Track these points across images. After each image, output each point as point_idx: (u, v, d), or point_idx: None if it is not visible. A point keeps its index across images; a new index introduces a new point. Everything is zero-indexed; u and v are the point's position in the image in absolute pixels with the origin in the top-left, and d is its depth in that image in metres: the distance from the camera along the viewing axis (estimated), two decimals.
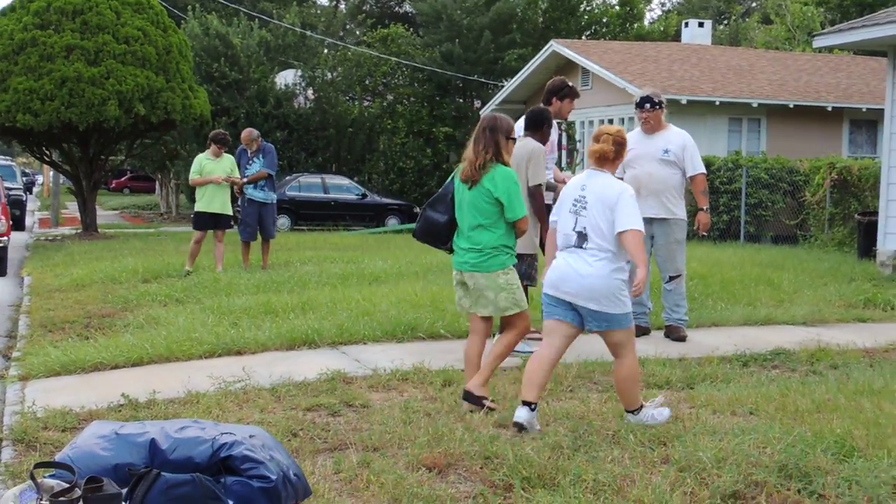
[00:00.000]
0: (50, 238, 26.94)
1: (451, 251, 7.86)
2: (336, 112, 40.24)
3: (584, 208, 6.88)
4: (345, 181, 35.69)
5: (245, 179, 15.83)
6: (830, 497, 5.09)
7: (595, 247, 6.80)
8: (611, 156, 7.03)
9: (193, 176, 15.68)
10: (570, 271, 6.85)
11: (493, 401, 7.26)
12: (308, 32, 44.55)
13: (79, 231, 28.06)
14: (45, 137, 26.52)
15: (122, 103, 24.66)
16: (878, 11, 18.21)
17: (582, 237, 6.86)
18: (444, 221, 7.79)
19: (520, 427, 6.57)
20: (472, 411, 6.99)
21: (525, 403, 6.65)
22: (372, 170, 40.66)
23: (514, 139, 7.81)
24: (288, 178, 33.28)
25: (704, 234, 11.03)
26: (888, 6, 24.56)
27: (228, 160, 15.73)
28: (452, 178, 7.84)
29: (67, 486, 4.09)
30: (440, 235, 7.90)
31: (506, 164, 7.48)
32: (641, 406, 6.81)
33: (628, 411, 6.83)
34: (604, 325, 6.82)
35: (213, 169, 15.47)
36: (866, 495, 5.05)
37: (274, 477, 4.47)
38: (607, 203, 6.79)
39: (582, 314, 6.85)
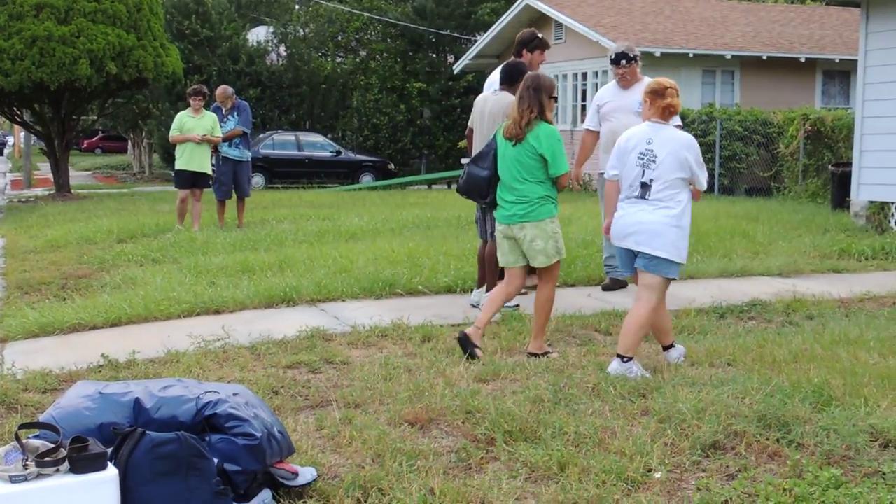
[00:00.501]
0: (23, 199, 26.77)
1: (491, 205, 8.22)
2: (309, 69, 40.09)
3: (653, 161, 7.13)
4: (319, 138, 35.58)
5: (220, 137, 15.77)
6: (809, 446, 5.12)
7: (656, 199, 7.09)
8: (678, 109, 7.37)
9: (173, 133, 15.60)
10: (634, 220, 7.15)
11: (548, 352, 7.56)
12: None
13: (52, 192, 27.87)
14: (15, 98, 26.28)
15: (93, 62, 24.45)
16: None
17: (646, 187, 7.13)
18: (486, 176, 8.13)
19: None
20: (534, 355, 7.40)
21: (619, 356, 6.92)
22: (346, 126, 40.56)
23: (556, 98, 8.01)
24: (262, 135, 33.10)
25: None
26: None
27: (210, 118, 15.55)
28: (495, 135, 8.12)
29: (53, 446, 4.08)
30: (482, 189, 8.28)
31: (549, 121, 7.70)
32: (632, 358, 6.91)
33: (619, 356, 6.93)
34: (652, 266, 7.09)
35: (193, 126, 15.36)
36: (844, 443, 5.09)
37: (259, 434, 4.48)
38: (677, 157, 7.10)
39: (638, 258, 7.16)
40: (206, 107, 16.13)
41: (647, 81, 10.23)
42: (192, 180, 15.47)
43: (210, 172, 15.68)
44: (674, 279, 7.29)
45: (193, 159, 15.37)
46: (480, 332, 7.63)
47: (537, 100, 7.63)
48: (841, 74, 28.69)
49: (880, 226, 15.19)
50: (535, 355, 7.44)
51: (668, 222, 7.05)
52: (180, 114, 15.79)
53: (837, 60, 28.25)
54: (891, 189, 15.19)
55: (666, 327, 7.39)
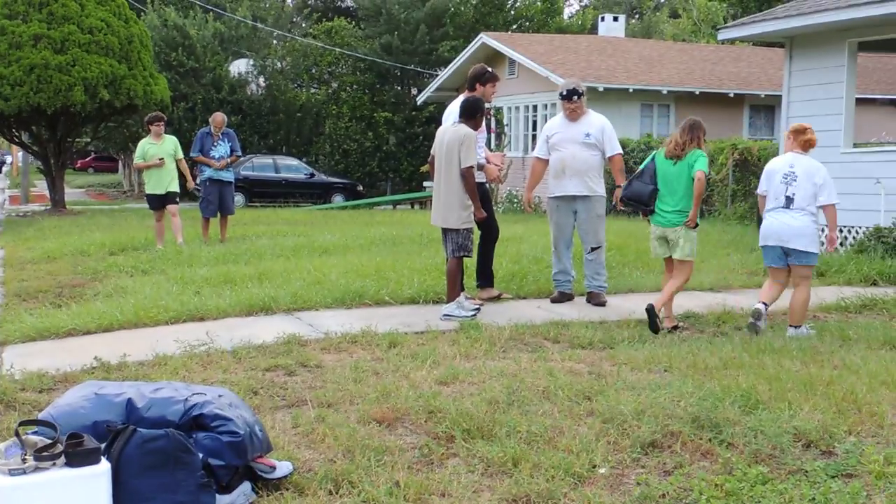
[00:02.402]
0: (21, 214, 26.53)
1: (650, 212, 9.39)
2: (285, 98, 40.16)
3: (794, 181, 8.85)
4: (294, 161, 35.61)
5: (219, 162, 15.80)
6: (738, 445, 5.16)
7: (799, 208, 8.79)
8: (815, 144, 9.09)
9: (137, 161, 15.44)
10: (780, 225, 8.88)
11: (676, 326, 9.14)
12: (259, 25, 44.16)
13: (48, 207, 27.73)
14: (14, 120, 26.13)
15: (87, 89, 24.37)
16: (776, 7, 18.41)
17: (790, 199, 8.84)
18: (650, 190, 9.30)
19: (756, 314, 8.70)
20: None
21: (762, 302, 8.84)
22: (319, 151, 40.52)
23: (704, 133, 9.46)
24: (242, 158, 32.89)
25: (621, 209, 11.11)
26: (785, 2, 24.87)
27: (171, 141, 15.25)
28: (653, 157, 9.44)
29: (50, 441, 4.06)
30: (644, 199, 9.40)
31: (700, 147, 9.20)
32: (801, 325, 8.78)
33: (792, 326, 8.82)
34: (802, 259, 8.81)
35: (155, 152, 15.02)
36: (770, 443, 5.13)
37: (241, 432, 4.47)
38: (809, 177, 8.81)
39: (790, 254, 8.84)
40: (192, 132, 16.10)
41: (591, 114, 10.38)
42: (162, 201, 15.18)
43: (177, 189, 15.31)
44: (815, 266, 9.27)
45: (161, 182, 15.08)
46: (659, 309, 8.89)
47: (696, 135, 9.15)
48: (766, 108, 28.95)
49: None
50: (652, 311, 8.69)
51: (809, 226, 8.80)
52: (142, 141, 15.46)
53: (763, 95, 28.51)
54: None
55: (773, 298, 9.04)
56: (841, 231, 14.85)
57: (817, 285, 11.72)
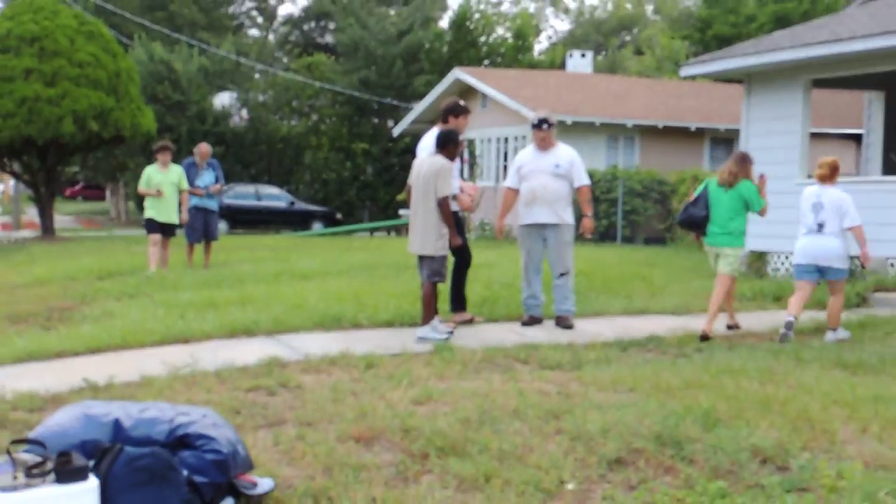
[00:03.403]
0: (12, 240, 26.36)
1: (702, 234, 10.49)
2: (267, 130, 40.23)
3: (823, 208, 9.98)
4: (275, 190, 35.56)
5: (204, 191, 15.79)
6: (699, 461, 5.17)
7: (830, 232, 9.91)
8: (837, 176, 10.22)
9: (141, 186, 15.31)
10: (815, 246, 10.04)
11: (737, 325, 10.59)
12: (242, 59, 44.24)
13: (38, 234, 27.59)
14: (6, 150, 26.07)
15: (76, 120, 24.35)
16: (736, 45, 18.59)
17: (821, 225, 9.96)
18: (704, 215, 10.33)
19: (788, 325, 9.62)
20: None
21: (791, 316, 9.76)
22: (299, 180, 40.52)
23: (751, 161, 10.61)
24: (225, 187, 32.91)
25: (589, 236, 11.18)
26: (743, 40, 25.11)
27: (176, 171, 15.21)
28: (705, 186, 10.56)
29: (40, 459, 4.05)
30: (698, 223, 10.45)
31: (748, 178, 10.33)
32: (837, 328, 9.96)
33: (831, 329, 9.98)
34: (838, 275, 10.07)
35: (161, 180, 14.97)
36: (729, 459, 5.15)
37: (225, 451, 4.46)
38: (837, 206, 9.92)
39: (823, 271, 10.09)
40: (177, 161, 16.08)
41: (561, 146, 10.44)
42: (161, 229, 15.05)
43: (176, 221, 15.24)
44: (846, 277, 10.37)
45: (163, 211, 14.97)
46: (711, 321, 9.97)
47: (744, 166, 10.31)
48: (726, 141, 29.17)
49: (759, 272, 15.45)
50: (705, 338, 9.67)
51: (841, 247, 9.99)
52: (148, 168, 15.34)
53: (723, 129, 28.73)
54: (767, 241, 15.46)
55: (799, 308, 9.98)
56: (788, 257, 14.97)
57: (773, 308, 11.83)
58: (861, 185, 13.98)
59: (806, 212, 10.08)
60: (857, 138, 24.83)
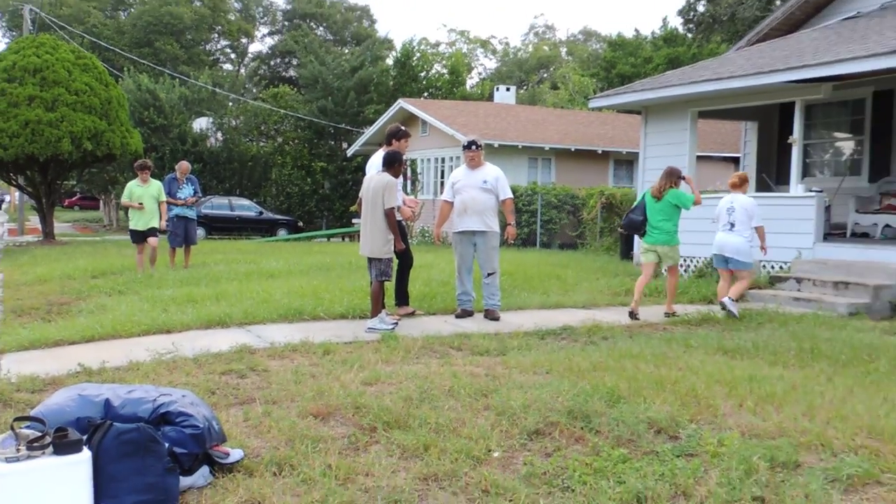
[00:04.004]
0: (17, 244, 25.82)
1: (643, 235, 11.11)
2: (239, 150, 39.96)
3: (734, 211, 10.77)
4: (246, 202, 35.32)
5: (184, 202, 15.60)
6: (604, 432, 5.22)
7: (738, 231, 10.72)
8: (746, 187, 11.11)
9: (124, 199, 14.98)
10: (724, 241, 10.86)
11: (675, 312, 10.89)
12: (217, 89, 43.85)
13: (40, 239, 27.11)
14: (11, 166, 25.58)
15: (73, 141, 24.02)
16: (635, 82, 18.82)
17: (732, 224, 10.76)
18: (641, 220, 11.04)
19: (722, 304, 10.59)
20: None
21: (728, 297, 10.58)
22: (266, 193, 40.20)
23: (683, 178, 11.09)
24: (203, 199, 32.66)
25: (512, 241, 11.23)
26: (641, 79, 25.44)
27: (155, 185, 14.84)
28: (643, 196, 11.20)
29: (40, 434, 3.99)
30: (637, 227, 11.13)
31: (676, 187, 10.88)
32: (737, 300, 10.70)
33: (731, 297, 10.60)
34: (738, 266, 10.81)
35: (141, 193, 14.59)
36: (629, 430, 5.21)
37: (201, 426, 4.42)
38: (744, 212, 10.73)
39: (727, 260, 10.87)
40: (161, 177, 15.90)
41: (488, 165, 10.48)
42: (144, 236, 14.70)
43: (157, 226, 14.81)
44: (751, 269, 11.08)
45: (142, 220, 14.59)
46: (670, 302, 11.06)
47: (672, 179, 10.88)
48: (627, 162, 29.53)
49: (655, 271, 15.63)
50: (670, 314, 10.76)
51: (744, 243, 10.74)
52: (130, 183, 14.89)
53: (624, 152, 29.08)
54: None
55: (723, 291, 10.91)
56: (685, 260, 15.19)
57: (667, 303, 11.98)
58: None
59: (721, 213, 10.90)
60: (735, 160, 25.25)
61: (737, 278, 10.93)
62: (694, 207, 10.98)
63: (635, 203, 11.37)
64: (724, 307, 10.54)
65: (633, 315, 10.47)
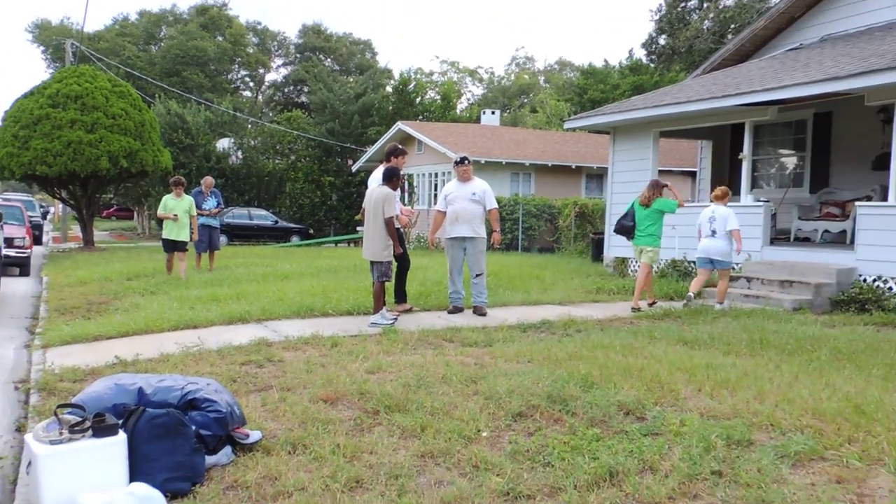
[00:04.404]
0: (60, 250, 25.72)
1: (630, 238, 11.45)
2: (257, 167, 39.87)
3: (715, 220, 11.01)
4: (263, 212, 35.20)
5: (209, 212, 15.55)
6: (580, 414, 5.21)
7: (720, 237, 10.96)
8: (727, 199, 11.23)
9: (160, 211, 14.85)
10: (709, 246, 11.03)
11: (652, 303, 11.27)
12: (237, 114, 43.75)
13: (81, 245, 27.00)
14: (56, 181, 25.49)
15: (110, 159, 23.94)
16: (604, 106, 18.84)
17: (714, 231, 10.99)
18: (631, 225, 11.40)
19: (688, 298, 10.91)
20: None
21: (717, 303, 11.00)
22: (281, 205, 40.11)
23: (666, 186, 11.52)
24: (225, 210, 32.60)
25: (497, 246, 11.21)
26: (609, 103, 25.48)
27: (187, 200, 14.67)
28: (632, 205, 11.51)
29: (81, 419, 3.98)
30: (628, 231, 11.45)
31: (661, 197, 11.24)
32: (723, 301, 10.97)
33: (718, 302, 10.99)
34: (722, 265, 11.05)
35: (174, 206, 14.42)
36: (602, 412, 5.19)
37: (224, 410, 4.41)
38: (723, 220, 10.96)
39: (713, 262, 11.05)
40: (188, 190, 15.85)
41: (476, 179, 10.46)
42: (174, 246, 14.45)
43: (187, 239, 14.62)
44: (733, 269, 11.65)
45: (173, 231, 14.37)
46: (637, 298, 11.06)
47: (657, 190, 11.29)
48: (598, 176, 29.53)
49: (622, 273, 15.65)
50: (636, 309, 10.79)
51: (725, 246, 10.99)
52: (165, 197, 14.73)
53: (595, 167, 29.09)
54: (627, 249, 15.67)
55: (700, 286, 11.15)
56: None
57: (633, 299, 11.98)
58: (695, 208, 14.23)
59: (704, 223, 11.16)
60: (692, 174, 25.30)
61: (720, 278, 11.18)
62: (677, 210, 11.36)
63: (625, 211, 11.67)
64: (690, 299, 10.90)
65: (635, 309, 10.83)
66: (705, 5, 35.68)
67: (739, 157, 13.97)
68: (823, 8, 15.43)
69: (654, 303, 11.27)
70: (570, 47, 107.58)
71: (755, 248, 13.12)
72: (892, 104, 11.54)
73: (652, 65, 42.97)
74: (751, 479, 4.11)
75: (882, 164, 13.63)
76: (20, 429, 5.67)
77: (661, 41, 36.88)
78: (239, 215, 33.54)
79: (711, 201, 11.34)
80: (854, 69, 11.37)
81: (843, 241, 13.45)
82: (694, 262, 13.91)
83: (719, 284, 11.12)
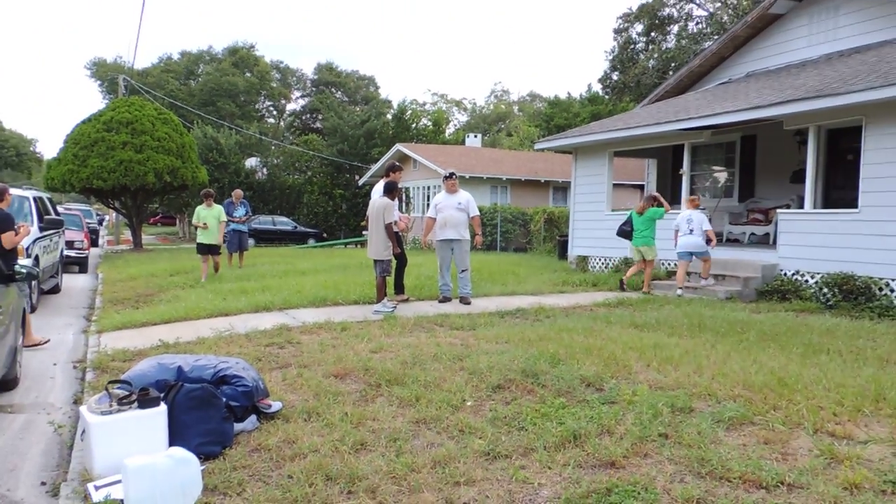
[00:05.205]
0: (113, 252, 25.51)
1: (629, 239, 11.90)
2: (279, 181, 39.71)
3: (692, 221, 11.33)
4: (284, 219, 35.05)
5: (239, 219, 15.41)
6: (549, 386, 5.18)
7: (697, 235, 11.27)
8: (699, 204, 12.05)
9: (194, 220, 14.20)
10: (689, 242, 11.32)
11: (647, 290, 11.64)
12: (263, 137, 43.58)
13: (131, 247, 26.76)
14: (110, 193, 25.23)
15: (156, 175, 23.73)
16: (567, 130, 18.81)
17: (692, 231, 11.28)
18: (629, 230, 11.87)
19: (680, 291, 11.17)
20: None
21: (702, 279, 11.51)
22: (299, 213, 39.89)
23: (657, 198, 12.06)
24: (252, 217, 32.37)
25: (479, 247, 11.15)
26: (572, 128, 25.47)
27: (217, 209, 14.11)
28: (630, 215, 11.98)
29: (128, 393, 3.91)
30: (628, 235, 11.91)
31: (654, 206, 11.84)
32: (708, 277, 11.50)
33: (703, 277, 11.47)
34: (701, 254, 11.35)
35: (206, 215, 13.82)
36: (567, 384, 5.17)
37: (251, 385, 4.35)
38: (699, 222, 11.31)
39: (693, 253, 11.36)
40: (219, 201, 15.69)
41: (462, 191, 10.39)
42: (207, 249, 13.81)
43: (218, 244, 14.00)
44: (709, 255, 11.52)
45: (206, 237, 13.76)
46: (625, 281, 11.78)
47: (651, 202, 11.89)
48: (563, 189, 29.50)
49: (583, 268, 15.62)
50: (647, 293, 11.43)
51: (701, 241, 11.26)
52: (198, 207, 14.13)
53: (560, 181, 29.07)
54: (588, 249, 15.65)
55: (682, 277, 11.32)
56: (605, 259, 15.18)
57: (592, 291, 11.97)
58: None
59: (682, 223, 11.48)
60: (641, 187, 25.32)
61: (702, 262, 11.55)
62: (664, 216, 11.99)
63: (624, 219, 12.22)
64: (681, 290, 11.30)
65: (621, 286, 11.75)
66: (650, 47, 35.72)
67: (680, 172, 13.97)
68: (748, 49, 15.45)
69: (649, 291, 11.59)
70: (540, 82, 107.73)
71: (661, 252, 13.12)
72: (807, 128, 11.56)
73: (607, 96, 43.00)
74: (692, 440, 4.08)
75: (798, 177, 13.66)
76: (77, 402, 5.59)
77: (614, 77, 36.92)
78: (264, 221, 33.39)
79: (688, 207, 11.73)
80: (774, 99, 11.38)
81: (766, 242, 13.46)
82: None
83: (703, 266, 11.55)
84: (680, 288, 11.23)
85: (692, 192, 15.45)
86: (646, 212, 11.82)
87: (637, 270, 11.96)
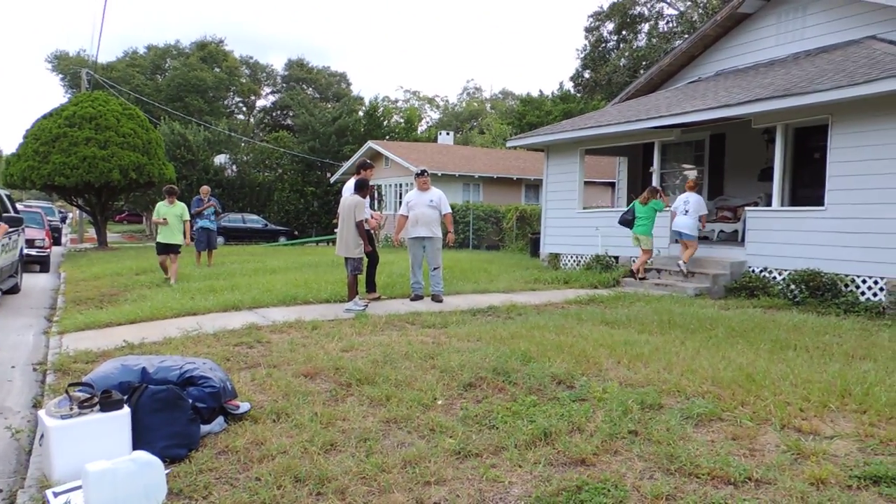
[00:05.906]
0: (77, 250, 25.03)
1: (631, 227, 12.35)
2: (249, 179, 39.36)
3: (689, 202, 11.85)
4: (255, 217, 34.69)
5: (206, 206, 15.30)
6: (520, 384, 5.19)
7: (689, 215, 11.85)
8: (697, 188, 12.55)
9: (154, 217, 13.40)
10: (680, 222, 11.91)
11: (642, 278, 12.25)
12: (232, 134, 43.08)
13: (95, 246, 26.28)
14: (73, 191, 24.78)
15: (121, 172, 23.36)
16: (539, 128, 18.88)
17: (687, 211, 11.84)
18: (631, 219, 12.33)
19: (679, 267, 11.83)
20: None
21: (681, 262, 11.92)
22: (270, 210, 39.56)
23: (658, 190, 12.46)
24: (222, 215, 32.04)
25: (451, 244, 11.14)
26: (544, 126, 25.60)
27: (180, 206, 13.32)
28: (632, 205, 12.42)
29: (89, 396, 3.82)
30: (629, 223, 12.35)
31: (656, 199, 12.21)
32: (686, 262, 11.75)
33: (683, 262, 11.75)
34: (687, 237, 11.90)
35: (166, 212, 13.08)
36: (538, 382, 5.18)
37: (218, 385, 4.27)
38: (695, 204, 11.86)
39: (680, 234, 11.94)
40: (188, 199, 15.51)
41: (433, 189, 10.38)
42: (165, 249, 12.98)
43: (178, 243, 13.03)
44: (696, 240, 12.01)
45: (165, 235, 12.99)
46: (640, 271, 12.23)
47: (652, 194, 12.23)
48: (535, 186, 29.66)
49: (555, 266, 15.70)
50: (643, 278, 12.19)
51: (692, 223, 11.85)
52: (159, 203, 13.35)
53: (533, 179, 29.21)
54: (559, 247, 15.73)
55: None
56: (577, 256, 15.27)
57: (564, 288, 12.03)
58: (614, 211, 14.35)
59: (679, 205, 12.02)
60: (612, 185, 25.53)
61: (686, 247, 11.97)
62: (663, 209, 12.52)
63: (626, 209, 12.80)
64: (680, 269, 11.88)
65: (634, 275, 12.28)
66: (621, 45, 36.02)
67: (650, 170, 14.11)
68: (718, 48, 15.65)
69: (644, 277, 12.23)
70: (512, 79, 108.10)
71: (663, 245, 13.25)
72: (774, 127, 11.74)
73: (578, 95, 43.28)
74: (661, 437, 4.12)
75: (766, 175, 13.87)
76: (36, 405, 5.47)
77: (586, 75, 37.15)
78: (234, 219, 33.03)
79: (685, 190, 12.42)
80: (742, 98, 11.54)
81: (735, 239, 13.65)
82: (615, 258, 14.06)
83: (686, 251, 11.93)
84: (682, 263, 11.85)
85: (636, 190, 15.64)
86: (649, 202, 12.29)
87: (645, 260, 12.37)
